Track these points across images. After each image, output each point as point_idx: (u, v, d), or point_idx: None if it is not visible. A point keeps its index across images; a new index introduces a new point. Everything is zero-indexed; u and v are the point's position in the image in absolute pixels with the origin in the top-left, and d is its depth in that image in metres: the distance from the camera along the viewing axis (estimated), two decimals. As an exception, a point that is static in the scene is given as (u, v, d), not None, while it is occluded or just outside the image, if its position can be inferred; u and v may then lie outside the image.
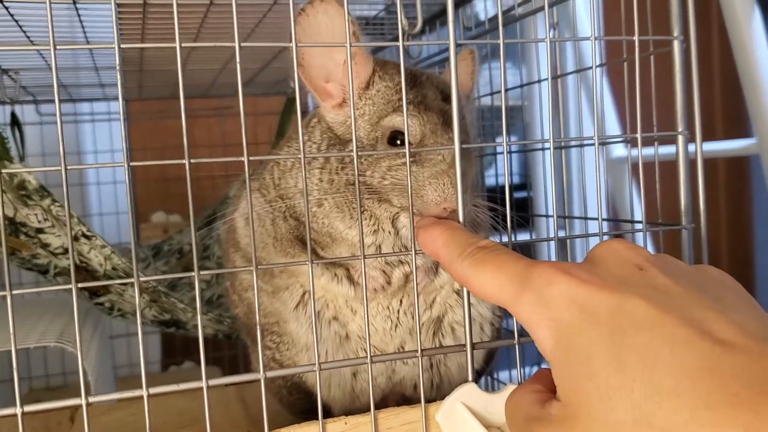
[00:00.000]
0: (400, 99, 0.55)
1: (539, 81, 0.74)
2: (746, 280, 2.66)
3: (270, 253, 0.63)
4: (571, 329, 0.36)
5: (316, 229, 0.60)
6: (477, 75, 0.69)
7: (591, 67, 0.55)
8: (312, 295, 0.48)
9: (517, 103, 1.63)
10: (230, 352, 1.57)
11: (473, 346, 0.50)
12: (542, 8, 0.67)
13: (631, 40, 0.52)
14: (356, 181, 0.48)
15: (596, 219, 0.54)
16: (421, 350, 0.50)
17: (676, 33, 0.53)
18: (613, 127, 1.54)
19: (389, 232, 0.58)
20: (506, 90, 0.74)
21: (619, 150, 1.55)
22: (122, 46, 0.41)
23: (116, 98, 1.67)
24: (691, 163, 0.56)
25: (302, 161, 0.46)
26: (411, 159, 0.53)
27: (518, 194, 1.84)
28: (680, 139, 0.54)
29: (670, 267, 0.39)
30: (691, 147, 0.56)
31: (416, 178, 0.54)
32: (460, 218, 0.50)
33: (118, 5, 0.90)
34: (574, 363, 0.36)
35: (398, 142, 0.57)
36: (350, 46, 0.46)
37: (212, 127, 1.76)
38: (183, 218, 1.73)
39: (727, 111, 2.55)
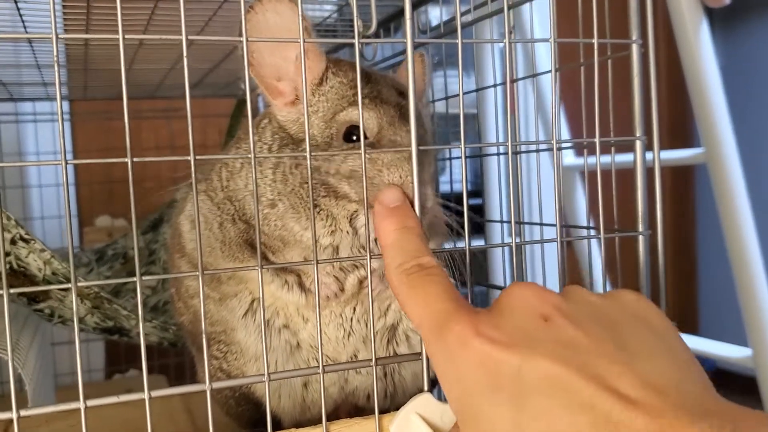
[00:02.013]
0: (355, 94, 0.53)
1: (495, 85, 0.74)
2: (689, 289, 2.71)
3: (217, 258, 0.60)
4: (476, 393, 0.35)
5: (267, 233, 0.57)
6: (429, 77, 0.68)
7: (547, 72, 0.54)
8: (261, 303, 0.46)
9: (470, 110, 1.63)
10: (176, 360, 1.53)
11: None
12: (496, 12, 0.66)
13: (589, 44, 0.52)
14: (309, 181, 0.46)
15: (554, 225, 0.53)
16: (376, 359, 0.48)
17: (634, 36, 0.52)
18: (563, 133, 1.55)
19: (347, 232, 0.56)
20: (463, 93, 0.73)
21: (569, 158, 1.57)
22: (60, 36, 0.38)
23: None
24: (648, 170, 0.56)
25: (253, 162, 0.44)
26: (368, 155, 0.52)
27: (472, 201, 1.83)
28: (638, 144, 0.54)
29: (581, 310, 0.37)
30: (648, 155, 0.56)
31: (374, 165, 0.53)
32: (416, 210, 0.48)
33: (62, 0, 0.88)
34: (479, 428, 0.35)
35: (354, 138, 0.55)
36: (303, 42, 0.44)
37: (160, 128, 1.72)
38: (129, 222, 1.68)
39: (673, 120, 2.60)
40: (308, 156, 0.45)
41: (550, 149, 0.51)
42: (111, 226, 1.66)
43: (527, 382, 0.33)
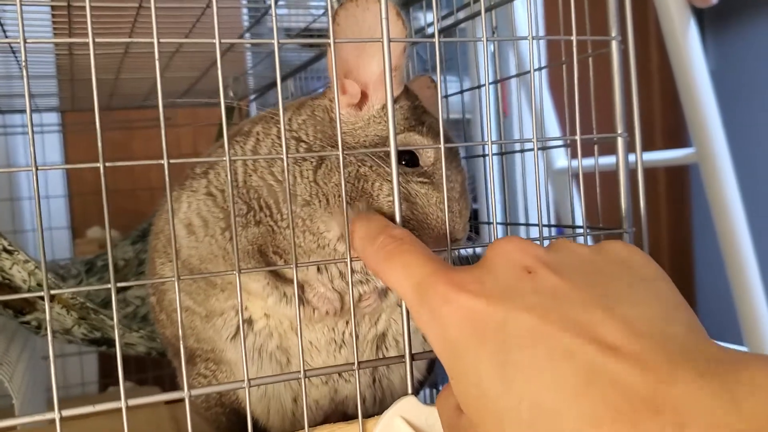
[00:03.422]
0: (416, 119, 0.54)
1: (479, 86, 0.73)
2: (686, 287, 2.71)
3: (219, 267, 0.56)
4: (462, 348, 0.35)
5: (288, 239, 0.54)
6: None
7: (526, 72, 0.54)
8: (240, 307, 0.45)
9: (460, 116, 1.64)
10: (171, 371, 1.52)
11: (412, 356, 0.48)
12: (478, 14, 0.66)
13: (570, 43, 0.51)
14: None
15: (536, 225, 0.53)
16: (359, 363, 0.47)
17: (613, 33, 0.52)
18: (555, 134, 1.54)
19: None
20: (445, 96, 0.73)
21: (562, 161, 1.56)
22: (28, 41, 0.38)
23: (49, 109, 1.62)
24: (632, 170, 0.56)
25: (227, 164, 0.43)
26: (425, 180, 0.53)
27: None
28: (620, 141, 0.53)
29: (564, 260, 0.37)
30: (632, 157, 0.56)
31: (428, 199, 0.53)
32: (398, 220, 0.47)
33: (51, 7, 0.88)
34: (468, 384, 0.35)
35: (403, 162, 0.54)
36: (278, 43, 0.43)
37: (152, 138, 1.72)
38: (120, 233, 1.68)
39: (667, 122, 2.61)
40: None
41: (532, 149, 0.51)
42: (102, 237, 1.65)
43: (511, 335, 0.33)
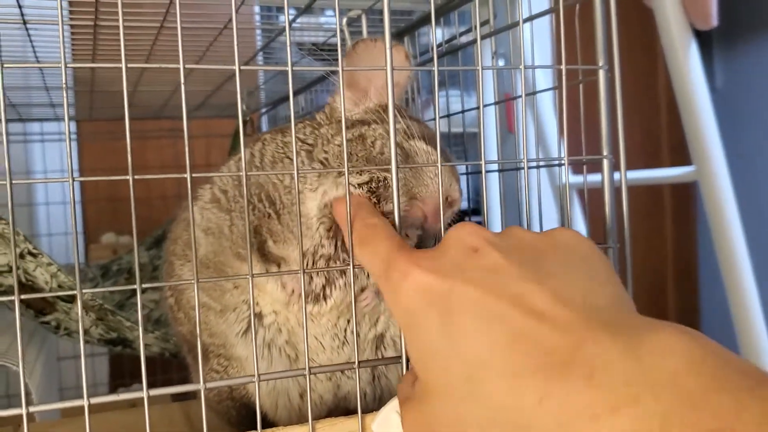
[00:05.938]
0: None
1: (478, 107, 0.77)
2: (691, 302, 2.73)
3: (228, 258, 0.62)
4: (417, 315, 0.40)
5: (283, 223, 0.59)
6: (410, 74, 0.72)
7: (529, 94, 0.58)
8: (252, 308, 0.49)
9: (469, 129, 1.67)
10: (179, 375, 1.56)
11: (407, 357, 0.52)
12: (484, 37, 0.70)
13: (569, 69, 0.55)
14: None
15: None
16: (358, 362, 0.51)
17: (601, 63, 0.56)
18: (562, 152, 1.58)
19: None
20: (444, 116, 0.77)
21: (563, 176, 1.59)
22: (69, 65, 0.42)
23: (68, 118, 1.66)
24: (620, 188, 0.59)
25: (243, 179, 0.47)
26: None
27: (474, 218, 1.87)
28: (605, 162, 0.57)
29: (509, 242, 0.42)
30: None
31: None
32: (396, 220, 0.51)
33: (70, 26, 0.92)
34: (420, 345, 0.40)
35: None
36: (291, 69, 0.48)
37: (165, 148, 1.76)
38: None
39: (674, 140, 2.63)
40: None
41: (522, 168, 0.55)
42: (116, 242, 1.69)
43: (454, 303, 0.39)
